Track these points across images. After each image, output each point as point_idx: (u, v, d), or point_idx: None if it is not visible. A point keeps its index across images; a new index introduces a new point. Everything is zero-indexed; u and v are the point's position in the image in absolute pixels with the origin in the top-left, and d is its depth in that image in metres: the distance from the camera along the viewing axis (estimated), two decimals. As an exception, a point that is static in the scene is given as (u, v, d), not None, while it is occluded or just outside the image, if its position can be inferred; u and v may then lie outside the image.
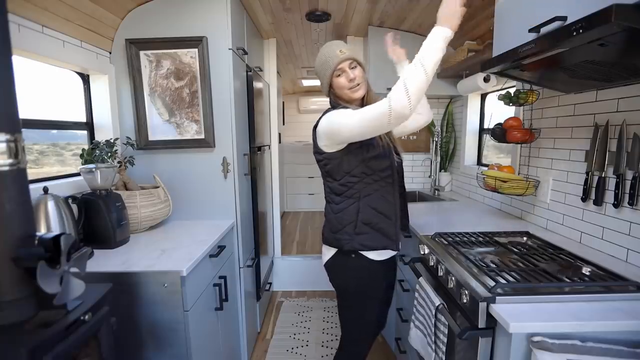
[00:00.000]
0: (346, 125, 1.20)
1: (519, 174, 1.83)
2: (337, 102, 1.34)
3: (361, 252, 1.31)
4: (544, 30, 1.04)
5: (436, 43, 1.10)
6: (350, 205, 1.31)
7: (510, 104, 1.69)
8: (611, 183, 1.28)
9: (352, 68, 1.29)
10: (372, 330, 1.46)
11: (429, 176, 2.83)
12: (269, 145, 2.95)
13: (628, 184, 1.21)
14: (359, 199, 1.30)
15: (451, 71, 2.37)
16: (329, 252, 1.39)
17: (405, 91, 1.08)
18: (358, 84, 1.29)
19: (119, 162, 1.66)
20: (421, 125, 1.57)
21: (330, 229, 1.36)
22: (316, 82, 4.77)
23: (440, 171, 2.81)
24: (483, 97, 2.54)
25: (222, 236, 1.70)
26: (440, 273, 1.28)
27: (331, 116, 1.26)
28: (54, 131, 1.64)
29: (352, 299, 1.38)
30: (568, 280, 1.04)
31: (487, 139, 2.49)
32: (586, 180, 1.38)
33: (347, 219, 1.31)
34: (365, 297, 1.37)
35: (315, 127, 1.35)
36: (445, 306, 1.18)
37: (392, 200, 1.33)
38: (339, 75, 1.29)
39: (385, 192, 1.32)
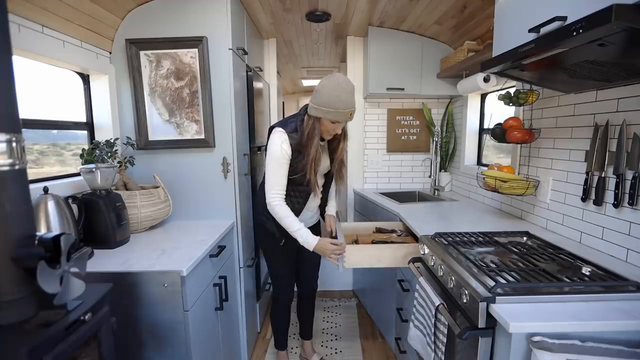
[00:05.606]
0: None
1: (519, 174, 1.83)
2: (303, 118, 1.61)
3: None
4: (543, 30, 1.04)
5: (301, 238, 1.61)
6: None
7: (510, 104, 1.69)
8: (611, 183, 1.28)
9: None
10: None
11: (429, 176, 2.83)
12: (269, 145, 2.95)
13: (628, 184, 1.21)
14: None
15: (451, 71, 2.36)
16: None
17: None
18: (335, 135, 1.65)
19: (119, 162, 1.66)
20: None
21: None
22: (316, 82, 4.76)
23: (440, 171, 2.81)
24: (483, 97, 2.54)
25: (222, 236, 1.70)
26: (440, 273, 1.28)
27: None
28: (54, 131, 1.64)
29: None
30: (568, 280, 1.04)
31: (487, 139, 2.49)
32: (586, 180, 1.38)
33: None
34: None
35: None
36: (445, 306, 1.18)
37: None
38: (334, 122, 1.56)
39: None
